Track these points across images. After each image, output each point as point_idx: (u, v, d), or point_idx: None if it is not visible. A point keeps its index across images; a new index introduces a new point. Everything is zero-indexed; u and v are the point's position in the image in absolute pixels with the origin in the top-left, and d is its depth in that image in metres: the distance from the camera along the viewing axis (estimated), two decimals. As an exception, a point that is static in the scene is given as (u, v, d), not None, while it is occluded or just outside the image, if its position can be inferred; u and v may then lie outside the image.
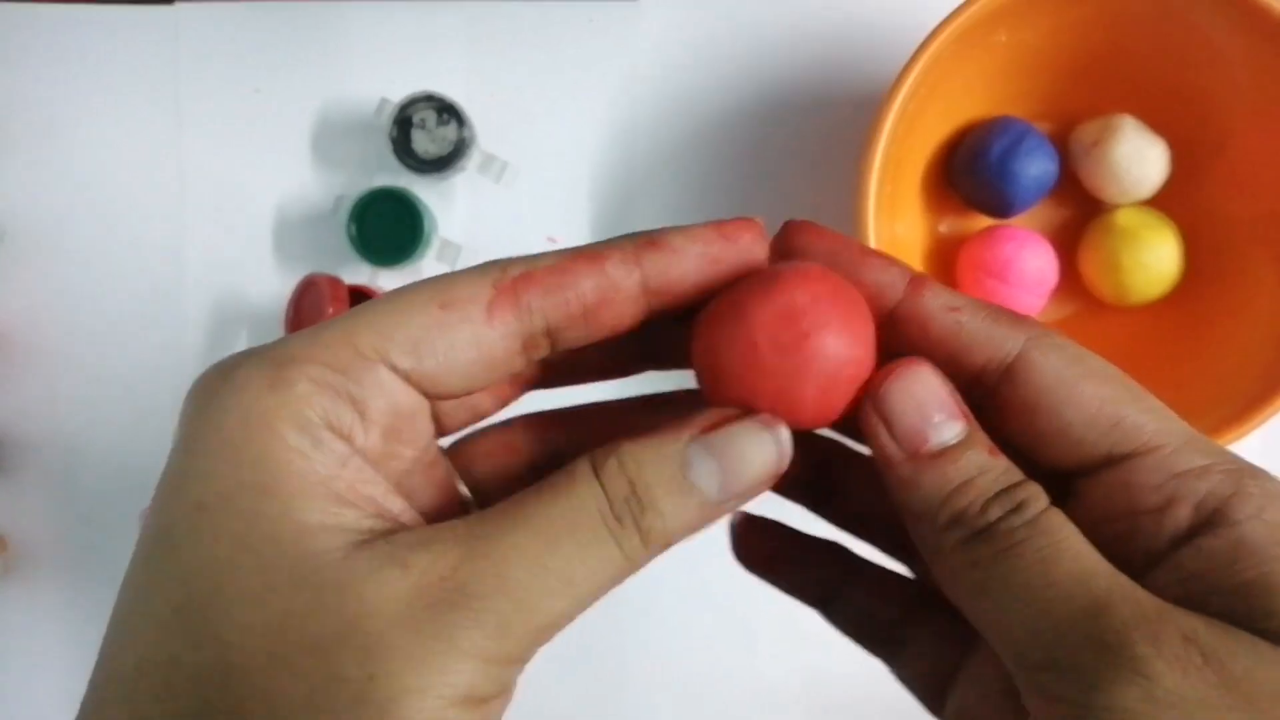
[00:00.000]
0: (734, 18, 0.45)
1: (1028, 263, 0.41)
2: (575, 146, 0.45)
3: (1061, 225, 0.44)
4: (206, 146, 0.45)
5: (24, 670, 0.47)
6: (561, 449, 0.23)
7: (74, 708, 0.18)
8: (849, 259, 0.20)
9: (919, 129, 0.40)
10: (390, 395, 0.19)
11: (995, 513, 0.18)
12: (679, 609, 0.46)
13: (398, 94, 0.43)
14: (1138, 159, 0.41)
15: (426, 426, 0.20)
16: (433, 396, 0.20)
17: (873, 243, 0.37)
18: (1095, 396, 0.19)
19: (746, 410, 0.19)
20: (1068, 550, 0.18)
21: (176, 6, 0.44)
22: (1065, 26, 0.40)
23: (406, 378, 0.19)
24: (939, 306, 0.19)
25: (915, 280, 0.20)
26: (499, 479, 0.23)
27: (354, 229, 0.43)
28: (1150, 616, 0.16)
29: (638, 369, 0.23)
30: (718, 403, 0.19)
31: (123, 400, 0.46)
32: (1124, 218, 0.41)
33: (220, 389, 0.18)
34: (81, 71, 0.44)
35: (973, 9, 0.37)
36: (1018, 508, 0.18)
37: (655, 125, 0.45)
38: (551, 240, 0.45)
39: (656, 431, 0.19)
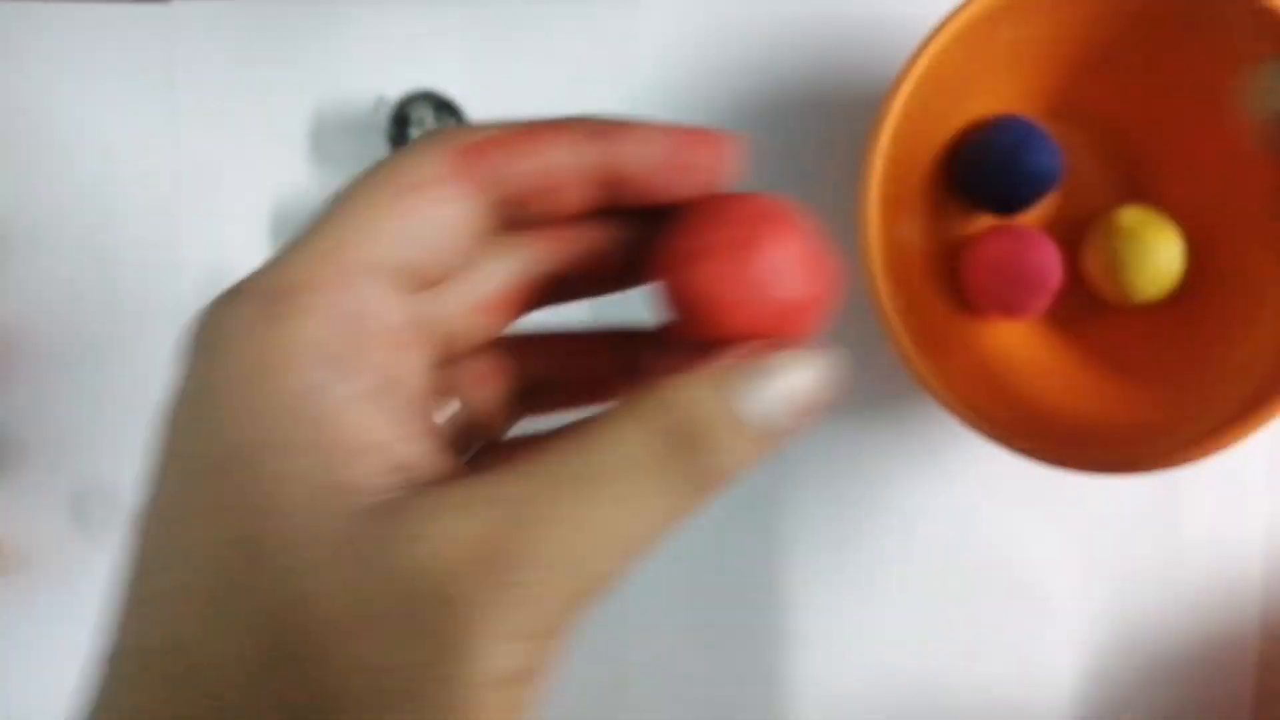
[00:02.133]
0: (734, 17, 0.45)
1: (1031, 261, 0.41)
2: (575, 145, 0.45)
3: (1065, 224, 0.43)
4: (203, 145, 0.45)
5: (20, 673, 0.46)
6: (542, 375, 0.22)
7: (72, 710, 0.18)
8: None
9: (921, 128, 0.40)
10: (388, 307, 0.18)
11: None
12: (678, 610, 0.46)
13: (395, 92, 0.43)
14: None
15: (415, 341, 0.19)
16: (418, 286, 0.19)
17: (874, 243, 0.37)
18: None
19: (752, 339, 0.19)
20: None
21: (172, 4, 0.44)
22: (1068, 23, 0.40)
23: (395, 279, 0.18)
24: None
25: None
26: (487, 405, 0.22)
27: (352, 228, 0.43)
28: None
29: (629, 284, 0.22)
30: (707, 333, 0.19)
31: (123, 400, 0.46)
32: (1127, 217, 0.41)
33: (224, 329, 0.17)
34: (77, 70, 0.44)
35: (974, 6, 0.37)
36: None
37: (655, 123, 0.45)
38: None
39: (694, 369, 0.18)
